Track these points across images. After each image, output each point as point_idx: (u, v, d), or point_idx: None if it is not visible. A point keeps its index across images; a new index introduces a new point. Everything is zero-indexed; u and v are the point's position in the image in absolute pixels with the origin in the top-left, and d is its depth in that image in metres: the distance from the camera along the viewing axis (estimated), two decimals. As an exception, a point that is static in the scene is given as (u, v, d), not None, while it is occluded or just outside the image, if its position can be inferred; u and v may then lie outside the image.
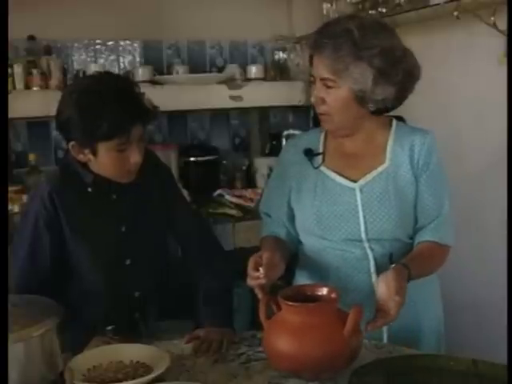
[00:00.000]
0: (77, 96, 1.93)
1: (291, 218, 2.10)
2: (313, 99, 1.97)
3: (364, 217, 1.97)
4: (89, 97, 1.91)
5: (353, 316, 1.62)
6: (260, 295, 1.76)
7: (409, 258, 1.90)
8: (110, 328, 2.02)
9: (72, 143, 1.96)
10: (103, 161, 1.97)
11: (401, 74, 1.88)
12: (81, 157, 1.99)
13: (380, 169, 2.00)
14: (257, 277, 1.75)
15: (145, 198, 2.12)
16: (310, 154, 2.06)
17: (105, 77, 2.03)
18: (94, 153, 1.95)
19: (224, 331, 1.97)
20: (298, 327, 1.63)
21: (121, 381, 1.63)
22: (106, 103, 1.88)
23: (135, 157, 1.96)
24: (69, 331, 1.90)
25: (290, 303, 1.65)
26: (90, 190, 2.05)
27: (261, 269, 1.76)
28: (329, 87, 1.90)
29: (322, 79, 1.90)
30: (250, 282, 1.77)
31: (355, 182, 1.99)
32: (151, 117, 2.01)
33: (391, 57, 1.86)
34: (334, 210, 1.99)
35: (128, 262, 2.10)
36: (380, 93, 1.88)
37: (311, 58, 1.94)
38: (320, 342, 1.60)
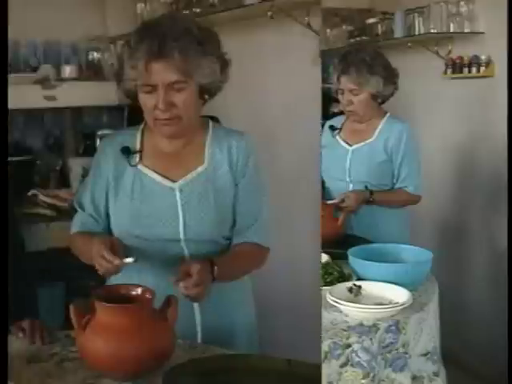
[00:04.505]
0: None
1: (108, 216, 2.05)
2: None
3: (183, 217, 1.96)
4: None
5: (173, 305, 1.66)
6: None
7: (221, 258, 1.92)
8: None
9: None
10: None
11: None
12: None
13: (199, 169, 1.99)
14: (111, 260, 1.75)
15: None
16: (126, 151, 2.01)
17: None
18: None
19: None
20: (120, 329, 1.61)
21: None
22: None
23: None
24: None
25: (108, 305, 1.62)
26: None
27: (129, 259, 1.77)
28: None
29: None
30: (107, 265, 1.75)
31: (175, 181, 1.98)
32: None
33: None
34: (153, 209, 1.97)
35: None
36: None
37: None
38: (146, 341, 1.60)
